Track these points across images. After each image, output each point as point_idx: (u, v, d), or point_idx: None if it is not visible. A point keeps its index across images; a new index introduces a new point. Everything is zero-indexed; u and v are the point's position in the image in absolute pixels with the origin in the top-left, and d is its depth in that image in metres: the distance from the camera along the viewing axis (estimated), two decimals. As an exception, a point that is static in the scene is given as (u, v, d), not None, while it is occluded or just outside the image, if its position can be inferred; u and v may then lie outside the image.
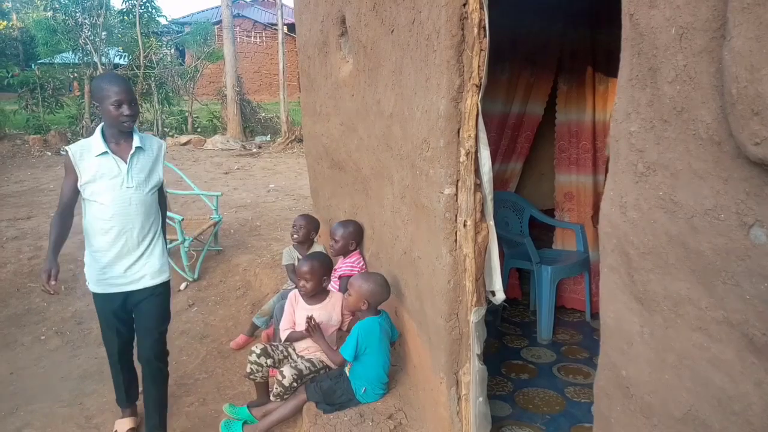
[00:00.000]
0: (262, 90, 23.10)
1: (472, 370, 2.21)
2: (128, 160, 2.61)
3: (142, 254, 2.72)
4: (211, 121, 15.45)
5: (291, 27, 18.98)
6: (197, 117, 15.62)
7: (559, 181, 4.08)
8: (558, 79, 3.99)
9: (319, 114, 4.29)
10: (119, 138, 2.63)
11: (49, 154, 11.96)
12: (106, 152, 2.56)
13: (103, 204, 2.57)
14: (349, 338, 2.73)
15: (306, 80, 4.60)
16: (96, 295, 2.75)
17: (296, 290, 3.16)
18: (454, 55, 1.99)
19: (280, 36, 13.68)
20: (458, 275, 2.18)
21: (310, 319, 2.89)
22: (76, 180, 2.55)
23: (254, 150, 12.69)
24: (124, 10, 14.54)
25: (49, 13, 13.98)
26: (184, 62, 18.29)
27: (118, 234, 2.62)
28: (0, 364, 3.59)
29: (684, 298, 1.07)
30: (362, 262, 3.52)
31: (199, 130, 15.01)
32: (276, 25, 24.60)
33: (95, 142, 2.58)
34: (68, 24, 13.31)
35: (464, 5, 1.96)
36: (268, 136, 14.33)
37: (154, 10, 14.65)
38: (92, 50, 13.28)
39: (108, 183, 2.56)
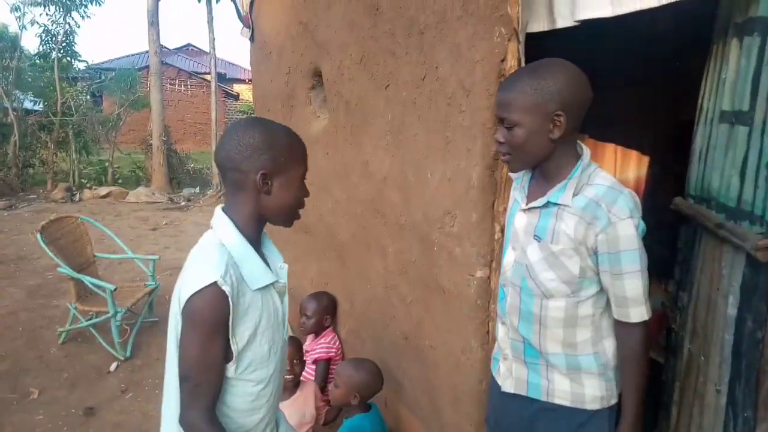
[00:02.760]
0: (186, 139, 22.31)
1: (509, 488, 1.84)
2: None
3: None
4: (134, 171, 14.51)
5: (218, 77, 18.53)
6: (118, 167, 14.65)
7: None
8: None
9: (279, 172, 3.91)
10: (260, 239, 1.44)
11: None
12: (276, 281, 1.39)
13: (262, 382, 1.37)
14: None
15: (263, 135, 4.23)
16: None
17: None
18: (491, 116, 1.72)
19: (213, 86, 13.18)
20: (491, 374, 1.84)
21: None
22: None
23: (183, 203, 11.92)
24: (40, 53, 13.61)
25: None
26: (101, 109, 17.33)
27: (269, 410, 1.44)
28: None
29: None
30: (338, 342, 3.11)
31: (120, 181, 14.03)
32: (200, 73, 24.17)
33: (246, 256, 1.31)
34: (-26, 66, 12.24)
35: (502, 61, 1.71)
36: (198, 188, 13.61)
37: (73, 55, 13.82)
38: (2, 94, 12.23)
39: (270, 335, 1.36)
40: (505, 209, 1.77)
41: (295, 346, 2.60)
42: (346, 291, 3.07)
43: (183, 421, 1.23)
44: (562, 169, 1.40)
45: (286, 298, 1.45)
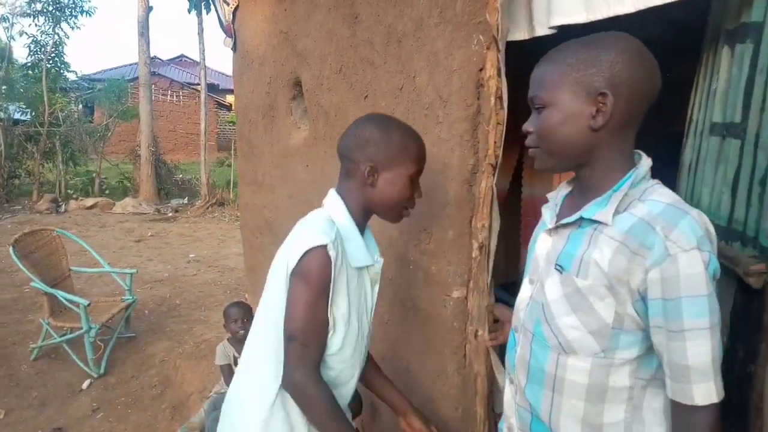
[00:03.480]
0: (177, 149, 22.25)
1: None
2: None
3: None
4: (121, 182, 14.35)
5: (211, 87, 18.50)
6: (105, 178, 14.49)
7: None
8: (523, 153, 3.77)
9: (261, 184, 3.80)
10: (364, 228, 1.46)
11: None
12: (373, 264, 1.43)
13: (335, 368, 1.37)
14: None
15: (245, 146, 4.12)
16: None
17: None
18: (468, 128, 1.62)
19: (203, 96, 13.11)
20: (468, 400, 1.73)
21: None
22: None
23: (170, 214, 11.78)
24: (29, 63, 13.49)
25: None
26: (92, 119, 17.21)
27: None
28: None
29: None
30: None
31: (107, 192, 13.87)
32: (193, 84, 24.09)
33: (352, 234, 1.35)
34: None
35: (480, 70, 1.61)
36: (186, 198, 13.47)
37: (63, 66, 13.70)
38: (-11, 104, 12.11)
39: (358, 318, 1.38)
40: (483, 226, 1.67)
41: (245, 308, 2.85)
42: (325, 308, 2.95)
43: (288, 381, 1.25)
44: (608, 179, 1.03)
45: (377, 288, 1.48)
